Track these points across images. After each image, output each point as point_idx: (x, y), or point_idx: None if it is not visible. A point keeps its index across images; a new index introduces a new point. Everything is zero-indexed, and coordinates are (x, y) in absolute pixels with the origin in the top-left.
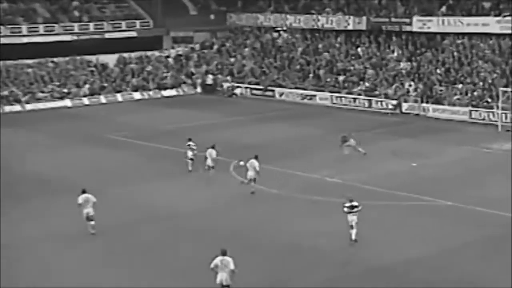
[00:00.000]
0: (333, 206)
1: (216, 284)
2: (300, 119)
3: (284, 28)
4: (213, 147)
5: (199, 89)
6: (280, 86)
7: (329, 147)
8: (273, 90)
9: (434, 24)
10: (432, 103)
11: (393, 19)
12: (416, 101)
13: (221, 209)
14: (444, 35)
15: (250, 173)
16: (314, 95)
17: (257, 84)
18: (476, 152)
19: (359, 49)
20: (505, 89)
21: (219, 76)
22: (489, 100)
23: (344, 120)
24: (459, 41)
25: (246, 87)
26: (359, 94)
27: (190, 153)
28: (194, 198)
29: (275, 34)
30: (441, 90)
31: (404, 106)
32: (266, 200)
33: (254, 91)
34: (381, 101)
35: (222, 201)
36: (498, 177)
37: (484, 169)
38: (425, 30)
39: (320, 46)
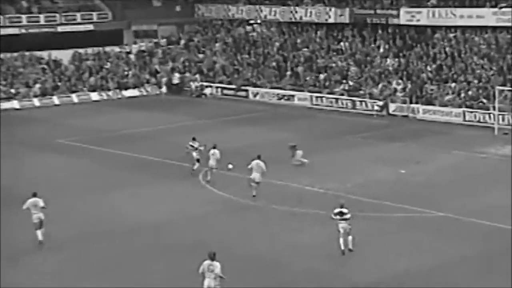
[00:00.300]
0: (313, 218)
1: None
2: (277, 122)
3: (259, 21)
4: (214, 147)
5: (164, 89)
6: (254, 85)
7: (309, 153)
8: (246, 90)
9: (424, 16)
10: (422, 103)
11: (378, 11)
12: (404, 102)
13: (189, 221)
14: (435, 28)
15: (255, 175)
16: (292, 96)
17: (229, 83)
18: (471, 158)
19: (341, 44)
20: (502, 88)
21: (187, 74)
22: (485, 100)
23: (325, 123)
24: (451, 35)
25: (217, 87)
26: (342, 94)
27: (195, 154)
28: (158, 209)
29: (249, 28)
30: (431, 90)
31: (391, 107)
32: (240, 212)
33: (226, 91)
34: (366, 102)
35: (190, 213)
36: (495, 185)
37: (480, 176)
38: (414, 22)
39: (298, 41)
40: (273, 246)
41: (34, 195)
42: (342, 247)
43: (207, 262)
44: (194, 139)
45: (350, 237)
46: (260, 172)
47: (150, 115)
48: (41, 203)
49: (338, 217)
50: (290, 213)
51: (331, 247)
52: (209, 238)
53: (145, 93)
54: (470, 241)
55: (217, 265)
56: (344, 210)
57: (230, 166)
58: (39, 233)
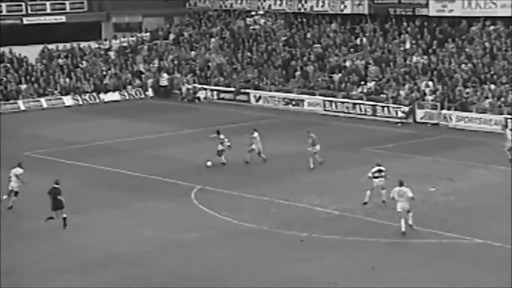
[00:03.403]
0: (325, 245)
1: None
2: (282, 131)
3: (261, 12)
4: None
5: (150, 92)
6: (256, 88)
7: (321, 168)
8: (247, 94)
9: (458, 6)
10: (456, 109)
11: (404, 0)
12: (434, 107)
13: (178, 248)
14: (471, 20)
15: (402, 205)
16: (302, 100)
17: (227, 85)
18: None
19: (359, 39)
20: None
21: (177, 75)
22: None
23: (341, 132)
24: (491, 28)
25: (212, 90)
26: (360, 98)
27: (220, 147)
28: (141, 235)
29: (250, 20)
30: (467, 93)
31: (419, 113)
32: (237, 237)
33: (223, 95)
34: (389, 107)
35: (179, 239)
36: None
37: None
38: (446, 14)
39: (308, 35)
40: (275, 279)
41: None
42: (403, 229)
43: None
44: (218, 132)
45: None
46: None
47: (132, 123)
48: (20, 170)
49: (376, 174)
50: (298, 239)
51: (344, 281)
52: (201, 270)
53: (127, 97)
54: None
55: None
56: (382, 168)
57: (209, 163)
58: (11, 199)
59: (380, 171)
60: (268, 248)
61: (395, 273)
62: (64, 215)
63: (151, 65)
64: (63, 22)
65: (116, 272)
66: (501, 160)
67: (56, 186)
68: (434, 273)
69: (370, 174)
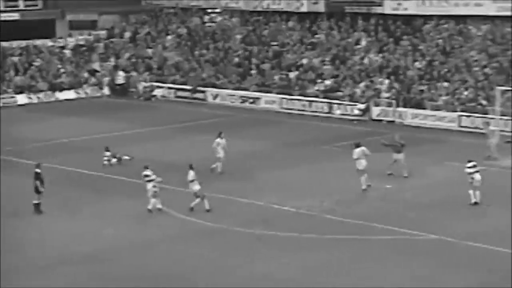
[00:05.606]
0: (283, 243)
1: None
2: (240, 129)
3: (218, 10)
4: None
5: (106, 91)
6: (213, 86)
7: (278, 166)
8: (204, 92)
9: (412, 4)
10: (411, 107)
11: None
12: (390, 105)
13: (138, 247)
14: (425, 18)
15: (363, 162)
16: (258, 98)
17: (184, 83)
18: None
19: (316, 37)
20: (504, 88)
21: (133, 73)
22: (484, 102)
23: (297, 130)
24: (444, 26)
25: (169, 88)
26: (317, 96)
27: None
28: (99, 235)
29: (207, 18)
30: (421, 90)
31: (375, 111)
32: (198, 236)
33: (180, 93)
34: (345, 105)
35: (137, 239)
36: (495, 203)
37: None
38: (401, 11)
39: (265, 33)
40: (233, 278)
41: None
42: (473, 200)
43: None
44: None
45: (478, 192)
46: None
47: (88, 121)
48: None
49: (472, 170)
50: (256, 237)
51: (304, 279)
52: (160, 269)
53: (83, 96)
54: (468, 268)
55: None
56: (475, 163)
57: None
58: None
59: (475, 165)
60: (227, 247)
61: (351, 269)
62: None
63: (107, 63)
64: (17, 19)
65: (76, 271)
66: (456, 157)
67: (37, 171)
68: (390, 269)
69: (467, 170)
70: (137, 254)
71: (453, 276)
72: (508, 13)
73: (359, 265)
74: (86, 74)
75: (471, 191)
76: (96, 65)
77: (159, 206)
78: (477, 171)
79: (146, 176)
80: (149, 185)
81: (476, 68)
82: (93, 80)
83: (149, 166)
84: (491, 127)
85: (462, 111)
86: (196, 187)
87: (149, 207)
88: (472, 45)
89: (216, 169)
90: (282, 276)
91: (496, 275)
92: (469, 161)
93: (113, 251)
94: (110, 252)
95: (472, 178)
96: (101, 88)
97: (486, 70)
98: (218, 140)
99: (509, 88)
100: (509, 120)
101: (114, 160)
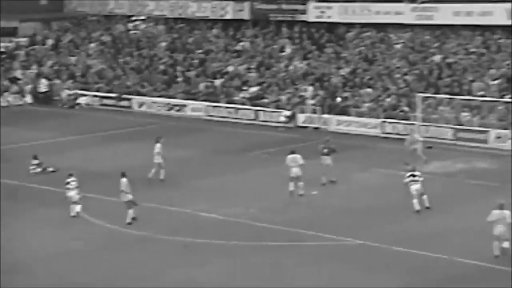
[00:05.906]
0: (211, 250)
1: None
2: (167, 136)
3: (143, 17)
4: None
5: (28, 99)
6: (139, 93)
7: (205, 173)
8: (129, 99)
9: (335, 12)
10: (335, 113)
11: (283, 6)
12: (314, 112)
13: (54, 260)
14: (348, 26)
15: (295, 170)
16: (184, 105)
17: (109, 91)
18: (392, 176)
19: (240, 45)
20: (424, 94)
21: (56, 81)
22: (406, 109)
23: (223, 137)
24: (367, 34)
25: (94, 95)
26: (243, 103)
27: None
28: (23, 245)
29: (131, 25)
30: (345, 97)
31: (300, 118)
32: (124, 245)
33: (105, 101)
34: (271, 112)
35: (57, 249)
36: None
37: (402, 198)
38: (325, 19)
39: (190, 40)
40: (156, 284)
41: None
42: (417, 208)
43: (497, 211)
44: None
45: (424, 196)
46: (297, 166)
47: (10, 130)
48: None
49: (410, 178)
50: (183, 245)
51: (229, 284)
52: (87, 278)
53: (5, 104)
54: (393, 273)
55: (507, 215)
56: (416, 173)
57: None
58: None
59: (413, 175)
60: (154, 255)
61: (278, 275)
62: None
63: (29, 71)
64: None
65: (2, 283)
66: (381, 163)
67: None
68: (316, 275)
69: (406, 180)
70: (61, 264)
71: (376, 279)
72: (427, 21)
73: (284, 271)
74: (7, 82)
75: (415, 200)
76: (17, 73)
77: (78, 210)
78: (415, 181)
79: (68, 183)
80: (72, 193)
81: (398, 75)
82: (14, 88)
83: (73, 174)
84: (415, 135)
85: (385, 117)
86: (128, 196)
87: (72, 214)
88: (393, 52)
89: (158, 175)
90: (205, 281)
91: (418, 277)
92: (410, 171)
93: (38, 262)
94: (35, 263)
95: (411, 187)
96: (23, 96)
97: (407, 77)
98: (158, 145)
99: (429, 95)
100: (429, 126)
101: (38, 169)
